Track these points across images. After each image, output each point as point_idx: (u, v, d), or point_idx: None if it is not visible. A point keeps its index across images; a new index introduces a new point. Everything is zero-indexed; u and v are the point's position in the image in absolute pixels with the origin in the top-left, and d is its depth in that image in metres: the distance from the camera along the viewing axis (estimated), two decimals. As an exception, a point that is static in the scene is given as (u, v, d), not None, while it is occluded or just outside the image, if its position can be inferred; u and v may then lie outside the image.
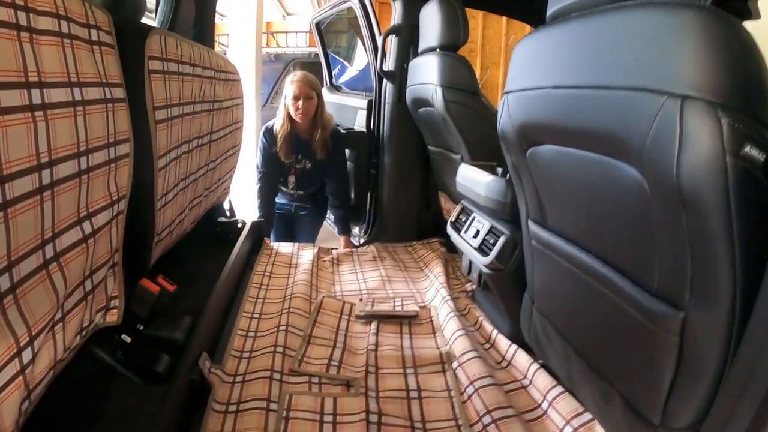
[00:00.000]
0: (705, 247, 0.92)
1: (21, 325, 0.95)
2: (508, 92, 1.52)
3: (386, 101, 3.42)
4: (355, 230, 3.75)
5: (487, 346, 2.07)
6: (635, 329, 1.16)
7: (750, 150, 0.83)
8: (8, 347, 0.93)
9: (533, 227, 1.62)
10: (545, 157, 1.41)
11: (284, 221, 3.65)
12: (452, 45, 2.63)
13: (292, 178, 3.43)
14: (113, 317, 1.45)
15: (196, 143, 2.01)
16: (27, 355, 0.98)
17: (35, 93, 0.96)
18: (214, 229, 2.88)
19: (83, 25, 1.20)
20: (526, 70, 1.44)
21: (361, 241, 3.63)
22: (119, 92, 1.36)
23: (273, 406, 1.61)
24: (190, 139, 1.94)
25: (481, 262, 2.01)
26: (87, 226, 1.20)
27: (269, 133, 3.30)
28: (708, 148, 0.85)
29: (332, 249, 3.28)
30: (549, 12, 1.37)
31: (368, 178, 3.65)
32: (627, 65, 1.02)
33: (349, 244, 3.54)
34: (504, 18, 8.60)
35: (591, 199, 1.26)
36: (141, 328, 1.62)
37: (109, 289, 1.43)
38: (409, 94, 3.08)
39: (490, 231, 2.03)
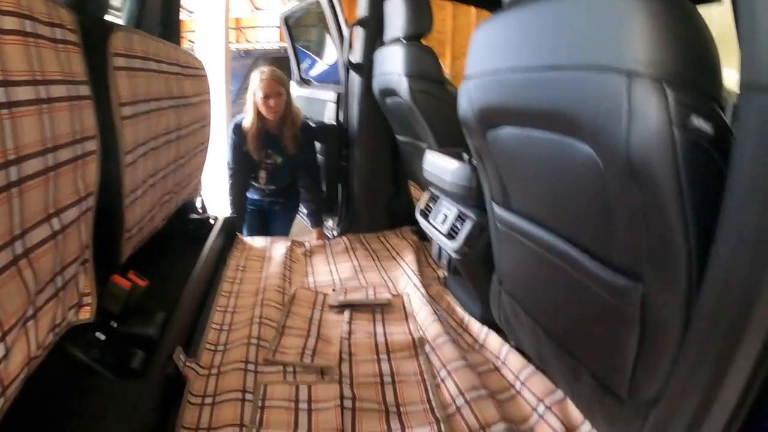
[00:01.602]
0: (659, 219, 0.95)
1: None
2: (467, 77, 1.55)
3: (354, 93, 3.44)
4: (329, 223, 3.77)
5: (460, 330, 2.11)
6: (598, 304, 1.19)
7: (698, 122, 0.86)
8: None
9: (497, 210, 1.65)
10: (505, 140, 1.44)
11: (257, 216, 3.66)
12: (417, 34, 2.66)
13: (263, 174, 3.43)
14: (86, 314, 1.45)
15: (163, 139, 2.01)
16: (0, 351, 0.99)
17: (0, 91, 0.96)
18: (187, 226, 2.87)
19: (47, 23, 1.20)
20: (484, 55, 1.46)
21: (335, 233, 3.65)
22: (84, 90, 1.36)
23: (248, 396, 1.63)
24: (158, 135, 1.94)
25: (449, 247, 2.03)
26: (56, 223, 1.20)
27: (238, 130, 3.30)
28: (655, 122, 0.87)
29: (305, 241, 3.30)
30: None
31: (339, 170, 3.67)
32: (578, 45, 1.05)
33: (322, 236, 3.55)
34: (474, 8, 8.64)
35: (550, 178, 1.29)
36: (115, 325, 1.62)
37: (80, 286, 1.43)
38: (376, 85, 3.11)
39: (458, 216, 2.06)
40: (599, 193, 1.08)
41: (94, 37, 1.49)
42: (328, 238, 3.53)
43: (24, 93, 1.05)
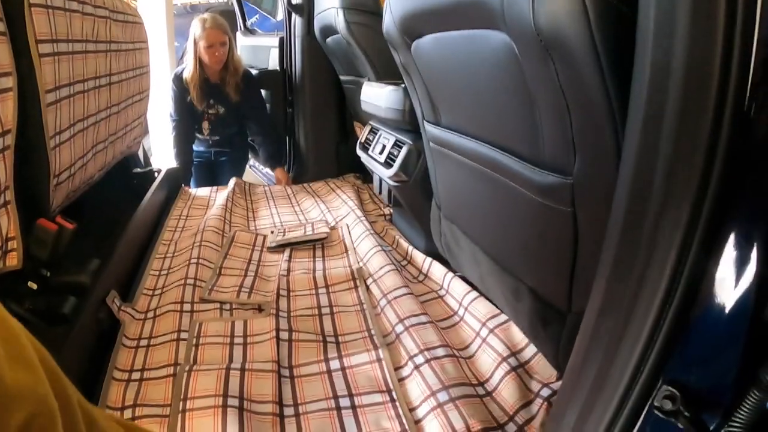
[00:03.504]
0: (579, 97, 0.91)
1: None
2: None
3: (296, 36, 3.40)
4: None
5: (404, 263, 2.10)
6: (531, 210, 1.18)
7: None
8: None
9: (429, 128, 1.63)
10: (427, 48, 1.42)
11: (205, 169, 3.61)
12: (352, -33, 2.62)
13: (206, 124, 3.38)
14: (13, 261, 1.41)
15: (93, 83, 1.96)
16: None
17: None
18: (130, 180, 2.82)
19: None
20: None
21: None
22: None
23: (184, 335, 1.60)
24: (85, 78, 1.88)
25: (386, 174, 2.03)
26: None
27: (179, 81, 3.25)
28: None
29: (261, 186, 3.31)
30: None
31: (285, 117, 3.64)
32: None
33: (283, 174, 3.49)
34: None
35: (472, 79, 1.27)
36: (47, 274, 1.59)
37: (3, 230, 1.39)
38: (317, 24, 3.06)
39: (395, 144, 2.06)
40: (520, 85, 1.05)
41: None
42: (289, 177, 3.52)
43: None
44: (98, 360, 1.52)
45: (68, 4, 1.75)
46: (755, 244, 0.63)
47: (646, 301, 0.75)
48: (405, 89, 1.85)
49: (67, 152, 1.76)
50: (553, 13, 0.85)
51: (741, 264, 0.64)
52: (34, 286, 1.51)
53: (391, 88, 1.99)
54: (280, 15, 6.41)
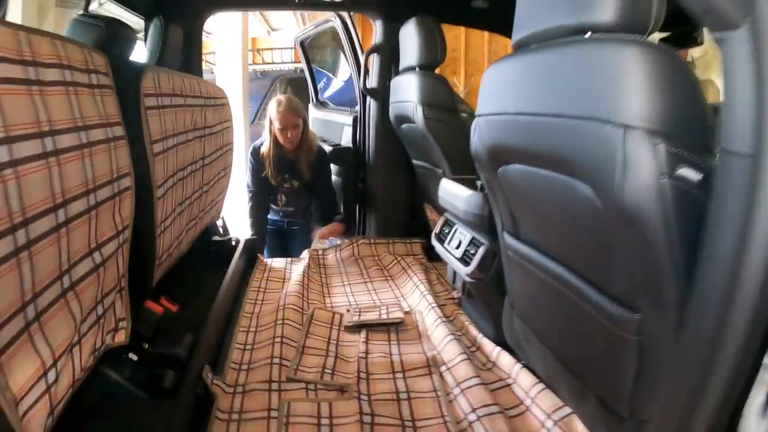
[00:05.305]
0: (651, 257, 1.03)
1: (46, 349, 1.06)
2: (479, 115, 1.64)
3: (371, 117, 3.55)
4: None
5: (473, 349, 2.18)
6: (600, 331, 1.28)
7: (684, 171, 0.95)
8: (36, 369, 1.03)
9: (508, 239, 1.73)
10: (514, 176, 1.52)
11: (277, 237, 3.77)
12: (430, 64, 2.78)
13: (281, 197, 3.56)
14: (121, 338, 1.53)
15: (190, 169, 2.11)
16: (51, 375, 1.09)
17: (48, 141, 1.06)
18: (210, 247, 2.96)
19: (83, 70, 1.30)
20: (493, 96, 1.56)
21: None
22: (119, 130, 1.45)
23: (273, 413, 1.72)
24: (185, 166, 2.04)
25: (463, 272, 2.12)
26: (97, 257, 1.30)
27: (257, 155, 3.44)
28: (646, 172, 0.96)
29: (324, 249, 3.45)
30: (513, 40, 1.48)
31: (356, 192, 3.77)
32: (579, 96, 1.14)
33: (339, 227, 3.62)
34: (485, 28, 8.66)
35: (555, 213, 1.38)
36: (146, 346, 1.71)
37: (117, 312, 1.51)
38: (392, 111, 3.20)
39: (471, 242, 2.14)
40: (598, 230, 1.18)
41: (126, 79, 1.59)
42: (347, 228, 3.67)
43: (67, 140, 1.15)
44: (196, 432, 1.64)
45: (174, 101, 1.90)
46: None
47: None
48: (485, 195, 1.95)
49: (169, 235, 1.91)
50: (639, 194, 0.99)
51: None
52: (135, 358, 1.62)
53: (470, 192, 2.10)
54: (341, 73, 6.66)
